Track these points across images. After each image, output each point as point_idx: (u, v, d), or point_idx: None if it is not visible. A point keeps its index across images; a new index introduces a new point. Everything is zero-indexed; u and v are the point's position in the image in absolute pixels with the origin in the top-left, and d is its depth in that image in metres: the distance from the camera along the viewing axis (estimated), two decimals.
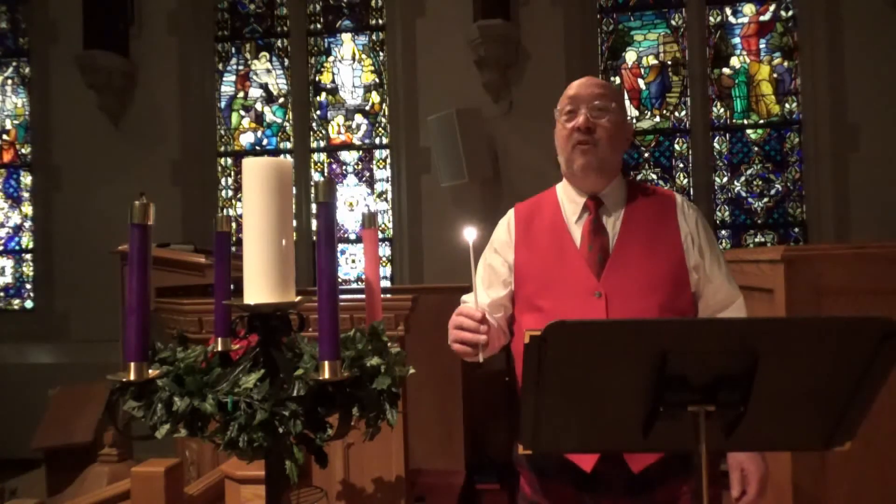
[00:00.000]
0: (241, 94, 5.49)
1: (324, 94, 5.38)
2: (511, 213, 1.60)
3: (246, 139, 5.49)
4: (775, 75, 4.79)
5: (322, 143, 5.39)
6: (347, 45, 5.36)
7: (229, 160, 5.50)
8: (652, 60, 4.96)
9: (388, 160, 5.25)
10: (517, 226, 1.55)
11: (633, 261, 1.42)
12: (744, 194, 4.82)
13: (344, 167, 5.36)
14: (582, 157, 1.45)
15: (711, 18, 4.89)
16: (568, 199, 1.53)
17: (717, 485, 1.46)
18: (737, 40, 4.86)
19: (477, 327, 1.31)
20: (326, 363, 0.98)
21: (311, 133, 5.40)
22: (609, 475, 1.36)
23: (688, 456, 1.39)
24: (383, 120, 5.28)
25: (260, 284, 1.04)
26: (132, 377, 1.00)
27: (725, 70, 4.86)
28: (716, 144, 4.88)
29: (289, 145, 5.41)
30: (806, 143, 4.70)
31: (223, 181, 5.51)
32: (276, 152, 5.37)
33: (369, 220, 1.36)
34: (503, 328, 1.55)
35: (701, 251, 1.46)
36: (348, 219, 5.32)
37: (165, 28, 5.30)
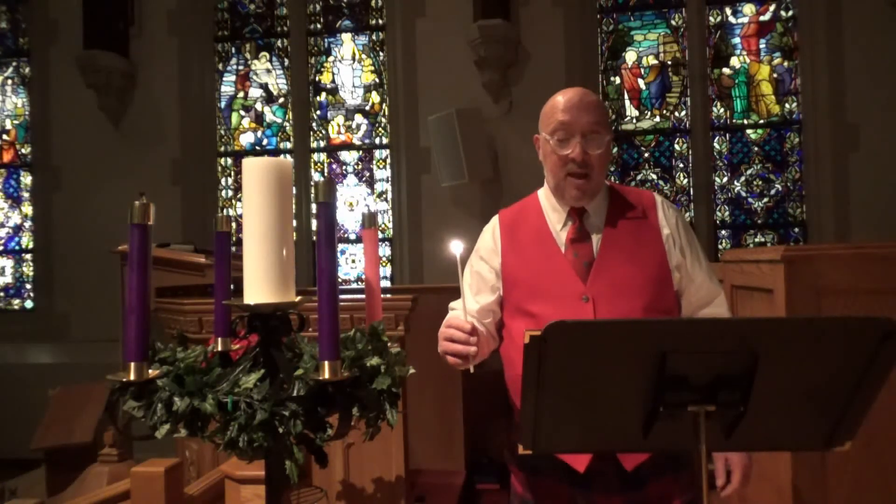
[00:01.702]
0: (241, 94, 5.49)
1: (324, 94, 5.38)
2: (495, 220, 1.62)
3: (246, 139, 5.49)
4: (775, 75, 4.79)
5: (322, 143, 5.39)
6: (347, 45, 5.36)
7: (229, 160, 5.50)
8: (652, 60, 4.96)
9: (388, 160, 5.25)
10: (502, 233, 1.57)
11: (617, 265, 1.45)
12: (744, 194, 4.82)
13: (344, 167, 5.36)
14: (576, 189, 1.47)
15: (711, 18, 4.89)
16: (551, 206, 1.55)
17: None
18: (737, 40, 4.86)
19: (467, 339, 1.33)
20: (326, 363, 0.98)
21: (311, 133, 5.40)
22: (602, 473, 1.38)
23: (678, 452, 1.41)
24: (383, 120, 5.28)
25: (260, 284, 1.04)
26: (132, 377, 1.00)
27: (725, 70, 4.86)
28: (716, 144, 4.88)
29: (289, 145, 5.41)
30: (806, 143, 4.70)
31: (223, 181, 5.51)
32: (276, 152, 5.37)
33: (369, 220, 1.36)
34: (492, 333, 1.57)
35: (682, 250, 1.49)
36: (348, 219, 5.32)
37: (165, 28, 5.30)
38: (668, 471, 1.42)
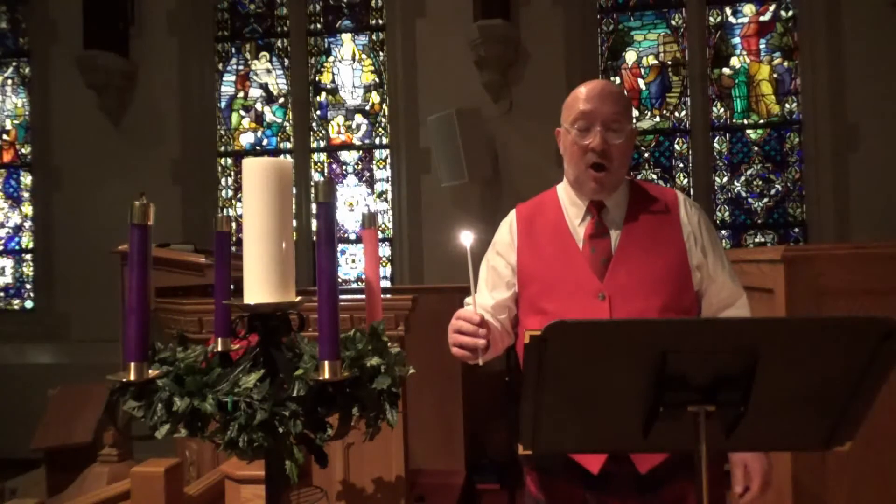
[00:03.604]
0: (241, 94, 5.49)
1: (324, 94, 5.38)
2: (513, 214, 1.59)
3: (246, 139, 5.49)
4: (775, 75, 4.79)
5: (322, 143, 5.39)
6: (347, 45, 5.36)
7: (229, 160, 5.50)
8: (652, 60, 4.95)
9: (388, 160, 5.25)
10: (519, 227, 1.55)
11: (635, 262, 1.42)
12: (744, 194, 4.82)
13: (344, 167, 5.36)
14: (594, 182, 1.45)
15: (711, 18, 4.89)
16: (570, 201, 1.53)
17: (721, 485, 1.45)
18: (737, 40, 4.86)
19: (475, 331, 1.31)
20: (326, 363, 0.98)
21: (311, 133, 5.40)
22: (616, 475, 1.36)
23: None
24: (383, 120, 5.28)
25: (260, 284, 1.05)
26: (132, 377, 1.00)
27: (725, 70, 4.86)
28: (716, 144, 4.88)
29: (289, 145, 5.41)
30: (806, 143, 4.70)
31: (223, 181, 5.51)
32: (276, 152, 5.37)
33: (369, 220, 1.36)
34: (508, 329, 1.55)
35: (704, 250, 1.46)
36: (348, 219, 5.32)
37: (165, 28, 5.29)
38: (684, 473, 1.36)
